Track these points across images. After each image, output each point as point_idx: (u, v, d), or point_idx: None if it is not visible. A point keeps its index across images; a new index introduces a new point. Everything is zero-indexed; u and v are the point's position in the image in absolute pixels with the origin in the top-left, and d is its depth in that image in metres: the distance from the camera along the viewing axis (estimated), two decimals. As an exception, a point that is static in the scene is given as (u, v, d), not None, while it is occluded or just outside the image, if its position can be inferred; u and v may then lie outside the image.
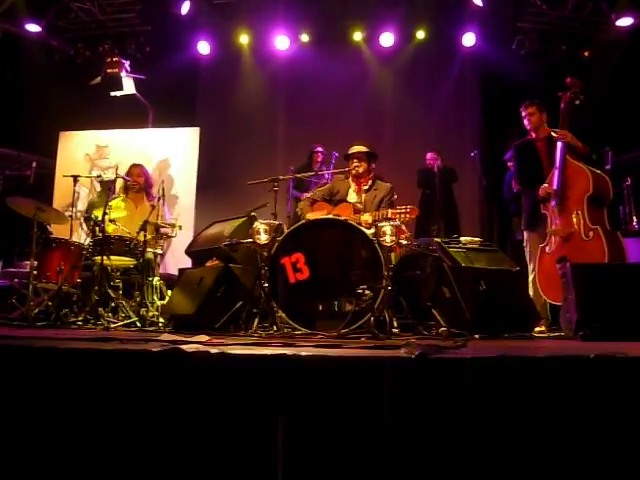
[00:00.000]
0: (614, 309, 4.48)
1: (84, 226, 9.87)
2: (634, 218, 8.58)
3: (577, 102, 6.34)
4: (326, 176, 8.07)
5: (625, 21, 9.85)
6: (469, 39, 10.72)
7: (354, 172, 6.25)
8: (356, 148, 6.35)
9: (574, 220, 6.04)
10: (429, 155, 9.86)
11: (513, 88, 9.43)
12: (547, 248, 6.29)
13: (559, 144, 6.22)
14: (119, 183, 7.77)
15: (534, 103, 6.68)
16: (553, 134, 6.45)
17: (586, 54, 10.46)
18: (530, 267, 6.57)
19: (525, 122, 6.70)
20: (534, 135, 6.68)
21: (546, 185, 6.24)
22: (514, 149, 6.91)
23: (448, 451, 2.29)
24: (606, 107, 8.37)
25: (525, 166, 6.67)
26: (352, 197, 6.27)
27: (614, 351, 2.46)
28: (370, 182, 6.33)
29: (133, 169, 7.92)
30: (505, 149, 8.47)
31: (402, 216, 5.42)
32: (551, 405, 2.31)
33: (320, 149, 9.41)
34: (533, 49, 10.60)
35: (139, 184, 7.74)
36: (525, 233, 6.79)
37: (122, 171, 7.70)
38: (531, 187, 6.48)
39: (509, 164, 8.47)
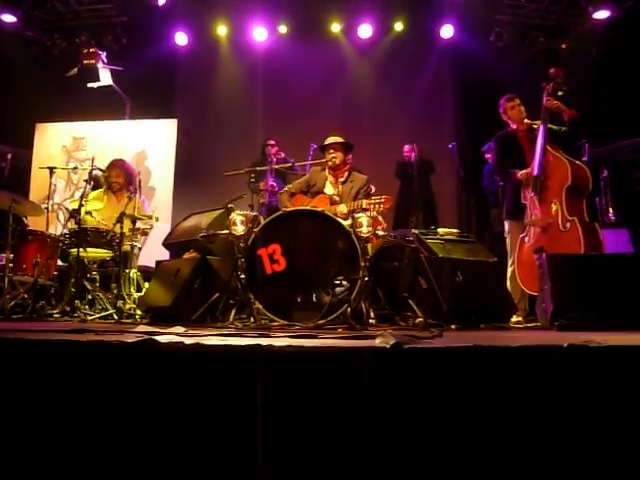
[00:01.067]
0: (589, 299, 4.51)
1: (61, 218, 9.83)
2: (610, 210, 8.65)
3: (560, 93, 6.38)
4: (306, 167, 8.06)
5: (602, 14, 9.91)
6: (447, 31, 10.75)
7: (331, 163, 6.25)
8: (332, 139, 6.36)
9: (552, 211, 6.07)
10: (406, 147, 9.90)
11: (491, 80, 9.47)
12: (526, 239, 6.32)
13: (540, 131, 6.25)
14: (101, 178, 7.70)
15: (515, 96, 6.72)
16: (534, 125, 6.49)
17: (563, 46, 10.50)
18: (510, 260, 6.59)
19: (507, 114, 6.72)
20: (515, 127, 6.70)
21: (526, 170, 6.27)
22: (496, 140, 6.93)
23: (424, 440, 2.29)
24: (583, 99, 8.40)
25: (507, 156, 6.68)
26: (329, 189, 6.27)
27: (589, 340, 2.48)
28: (346, 174, 6.34)
29: (112, 170, 7.77)
30: (483, 141, 8.51)
31: (377, 206, 5.42)
32: (525, 394, 2.32)
33: (273, 142, 9.40)
34: (511, 41, 10.64)
35: (119, 184, 7.67)
36: (506, 223, 6.81)
37: (98, 163, 7.60)
38: (513, 176, 6.50)
39: (487, 156, 8.51)
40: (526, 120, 6.66)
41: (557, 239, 5.97)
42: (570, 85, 6.61)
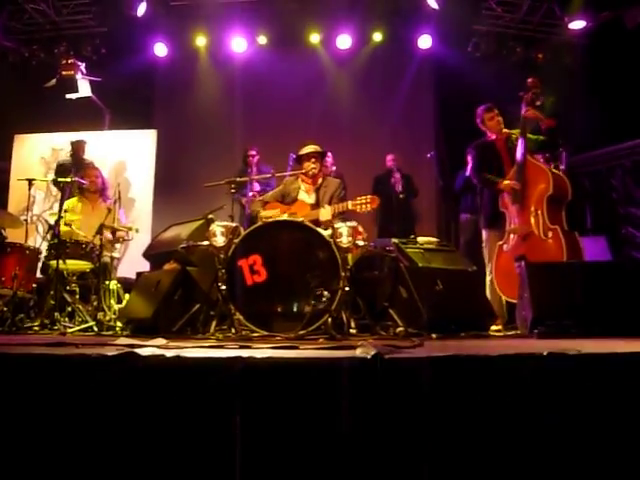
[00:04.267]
0: (569, 307, 4.55)
1: (40, 230, 9.78)
2: (588, 217, 8.74)
3: (538, 103, 6.43)
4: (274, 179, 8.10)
5: (577, 24, 9.99)
6: (425, 41, 10.79)
7: (311, 173, 6.24)
8: (312, 147, 6.34)
9: (533, 220, 6.12)
10: (389, 157, 9.92)
11: (469, 90, 9.53)
12: (505, 246, 6.36)
13: (520, 145, 6.30)
14: (74, 185, 7.69)
15: (493, 107, 6.75)
16: (512, 135, 6.54)
17: (540, 56, 10.59)
18: (488, 268, 6.62)
19: (486, 125, 6.75)
20: (493, 137, 6.74)
21: (510, 181, 6.31)
22: (474, 148, 6.95)
23: (404, 450, 2.30)
24: (559, 108, 8.47)
25: (485, 164, 6.70)
26: (303, 197, 6.24)
27: (567, 348, 2.50)
28: (320, 180, 6.34)
29: (90, 171, 7.85)
30: (461, 150, 8.55)
31: (362, 206, 5.44)
32: (506, 403, 2.34)
33: (254, 152, 9.41)
34: (488, 51, 10.72)
35: (96, 185, 7.67)
36: (484, 233, 6.83)
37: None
38: (491, 182, 6.53)
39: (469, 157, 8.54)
40: (504, 130, 6.70)
41: (538, 248, 6.01)
42: (547, 94, 6.66)
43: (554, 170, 6.29)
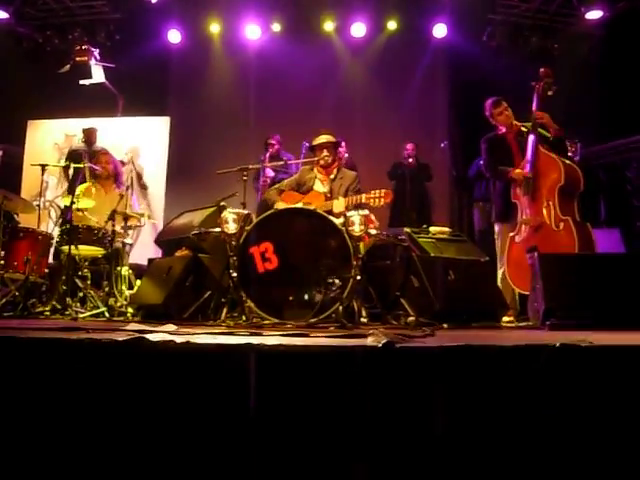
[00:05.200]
0: (581, 298, 4.52)
1: (53, 215, 9.80)
2: (602, 209, 8.69)
3: (550, 92, 6.38)
4: (293, 166, 8.06)
5: (594, 14, 9.92)
6: (440, 30, 10.73)
7: (323, 162, 6.21)
8: (325, 138, 6.30)
9: (545, 211, 6.08)
10: (409, 146, 9.87)
11: (483, 79, 9.51)
12: (517, 237, 6.32)
13: (531, 137, 6.26)
14: (87, 170, 7.70)
15: (501, 100, 6.71)
16: (523, 128, 6.49)
17: (556, 46, 10.51)
18: (500, 262, 6.58)
19: (496, 119, 6.72)
20: (504, 130, 6.70)
21: (519, 170, 6.28)
22: (485, 142, 6.91)
23: (415, 439, 2.29)
24: (576, 98, 8.42)
25: (497, 158, 6.67)
26: (319, 187, 6.22)
27: (580, 339, 2.48)
28: (335, 171, 6.30)
29: (101, 156, 7.86)
30: (475, 140, 8.49)
31: (376, 200, 5.41)
32: (517, 394, 2.32)
33: (273, 141, 9.37)
34: (503, 41, 10.65)
35: (107, 171, 7.68)
36: (496, 225, 6.81)
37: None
38: (503, 172, 6.50)
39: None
40: (515, 122, 6.66)
41: (550, 239, 5.97)
42: (562, 85, 6.60)
43: (566, 161, 6.23)
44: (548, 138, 6.41)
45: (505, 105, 6.68)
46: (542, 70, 6.46)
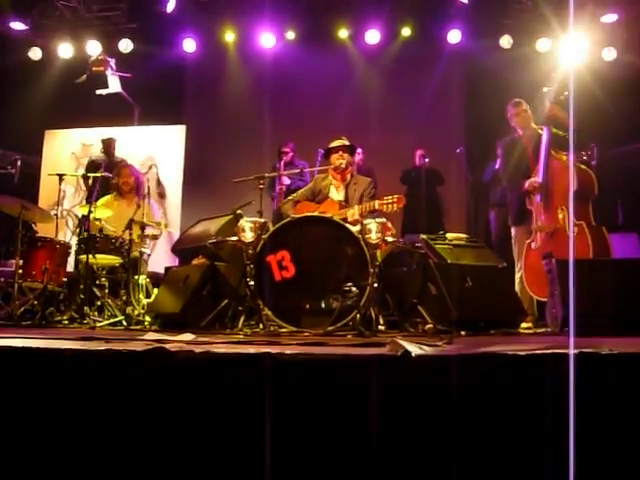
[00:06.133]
0: (600, 304, 4.49)
1: (70, 224, 9.86)
2: (619, 214, 8.64)
3: (562, 97, 6.35)
4: (308, 173, 8.08)
5: (609, 17, 9.89)
6: (455, 36, 10.71)
7: (338, 164, 6.21)
8: (339, 141, 6.32)
9: (559, 216, 6.06)
10: (419, 152, 9.88)
11: (499, 84, 9.48)
12: (533, 244, 6.30)
13: (544, 136, 6.24)
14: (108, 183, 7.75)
15: (522, 102, 6.71)
16: (540, 131, 6.47)
17: (571, 50, 10.46)
18: (517, 266, 6.57)
19: (514, 120, 6.73)
20: (521, 132, 6.69)
21: (532, 179, 6.26)
22: (501, 146, 6.92)
23: (433, 449, 2.28)
24: (592, 102, 8.39)
25: (512, 162, 6.66)
26: (334, 194, 6.22)
27: (600, 347, 2.46)
28: (349, 176, 6.31)
29: (122, 169, 7.88)
30: (490, 146, 8.48)
31: (389, 206, 5.40)
32: (536, 402, 2.31)
33: (287, 149, 9.37)
34: (518, 45, 10.62)
35: (130, 185, 7.70)
36: (513, 229, 6.80)
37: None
38: (518, 183, 6.49)
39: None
40: (533, 125, 6.65)
41: (565, 244, 5.94)
42: (578, 88, 6.58)
43: (580, 165, 6.20)
44: (564, 136, 6.39)
45: (524, 107, 6.68)
46: (554, 75, 6.45)
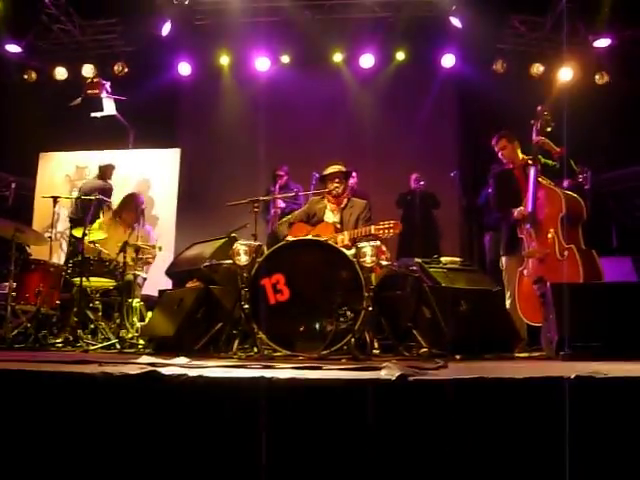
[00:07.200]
0: (595, 328, 4.49)
1: (64, 247, 9.83)
2: (613, 238, 8.67)
3: (549, 129, 6.41)
4: (303, 197, 8.10)
5: (602, 42, 9.98)
6: (448, 60, 10.81)
7: (334, 192, 6.22)
8: (335, 168, 6.31)
9: (549, 241, 6.08)
10: (414, 175, 9.93)
11: (493, 108, 9.56)
12: (525, 271, 6.30)
13: (531, 171, 6.28)
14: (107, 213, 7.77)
15: (503, 136, 6.75)
16: (529, 161, 6.50)
17: (564, 75, 10.54)
18: (507, 293, 6.56)
19: (500, 154, 6.77)
20: (511, 165, 6.73)
21: (521, 208, 6.30)
22: (494, 177, 6.96)
23: (428, 473, 2.27)
24: (585, 126, 8.43)
25: (504, 193, 6.70)
26: (329, 217, 6.22)
27: (595, 371, 2.46)
28: (346, 200, 6.31)
29: (126, 206, 7.77)
30: (485, 169, 8.52)
31: (385, 231, 5.40)
32: (532, 426, 2.31)
33: (282, 172, 9.39)
34: (512, 70, 10.70)
35: (128, 223, 7.62)
36: (504, 259, 6.80)
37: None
38: (509, 212, 6.52)
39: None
40: (522, 156, 6.68)
41: (555, 268, 5.95)
42: (572, 112, 6.61)
43: (567, 192, 6.24)
44: (553, 165, 6.44)
45: (505, 141, 6.72)
46: (539, 108, 6.50)
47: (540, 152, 6.39)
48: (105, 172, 9.25)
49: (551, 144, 6.40)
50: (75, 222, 8.31)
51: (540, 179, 6.26)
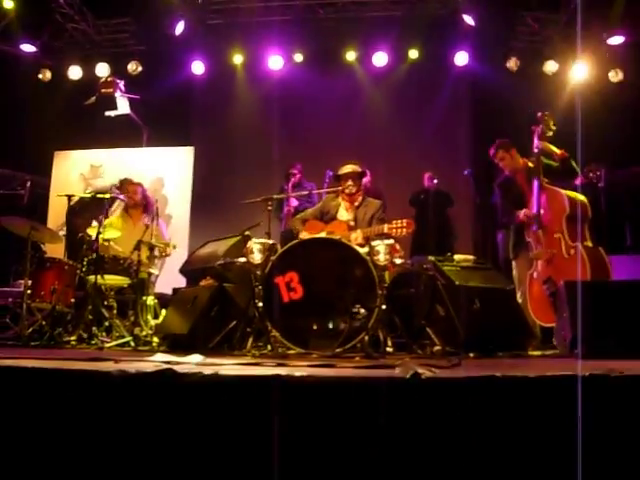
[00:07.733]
0: (609, 326, 4.48)
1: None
2: (627, 235, 8.62)
3: (549, 134, 6.40)
4: (316, 195, 8.11)
5: (616, 39, 9.92)
6: (461, 58, 10.78)
7: (348, 191, 6.22)
8: (350, 167, 6.31)
9: (556, 240, 6.08)
10: (427, 174, 9.91)
11: (506, 106, 9.52)
12: (534, 274, 6.31)
13: (534, 183, 6.29)
14: (118, 204, 7.78)
15: (499, 147, 6.77)
16: (530, 164, 6.50)
17: (578, 72, 10.49)
18: (519, 292, 6.55)
19: (501, 164, 6.80)
20: (514, 173, 6.73)
21: (526, 210, 6.30)
22: (498, 186, 6.95)
23: (443, 470, 2.28)
24: (599, 123, 8.39)
25: (510, 200, 6.70)
26: (343, 215, 6.23)
27: (609, 369, 2.46)
28: (360, 199, 6.32)
29: (129, 186, 7.87)
30: (498, 168, 8.50)
31: (399, 231, 5.40)
32: (546, 425, 2.30)
33: (295, 171, 9.37)
34: (525, 67, 10.66)
35: (134, 200, 7.71)
36: (513, 262, 6.81)
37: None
38: (514, 215, 6.53)
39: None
40: (521, 161, 6.69)
41: (563, 267, 5.95)
42: (586, 110, 6.60)
43: (569, 192, 6.23)
44: (556, 167, 6.43)
45: (502, 152, 6.75)
46: (539, 115, 6.48)
47: (542, 155, 6.39)
48: (123, 185, 9.25)
49: (552, 148, 6.41)
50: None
51: (543, 182, 6.28)
